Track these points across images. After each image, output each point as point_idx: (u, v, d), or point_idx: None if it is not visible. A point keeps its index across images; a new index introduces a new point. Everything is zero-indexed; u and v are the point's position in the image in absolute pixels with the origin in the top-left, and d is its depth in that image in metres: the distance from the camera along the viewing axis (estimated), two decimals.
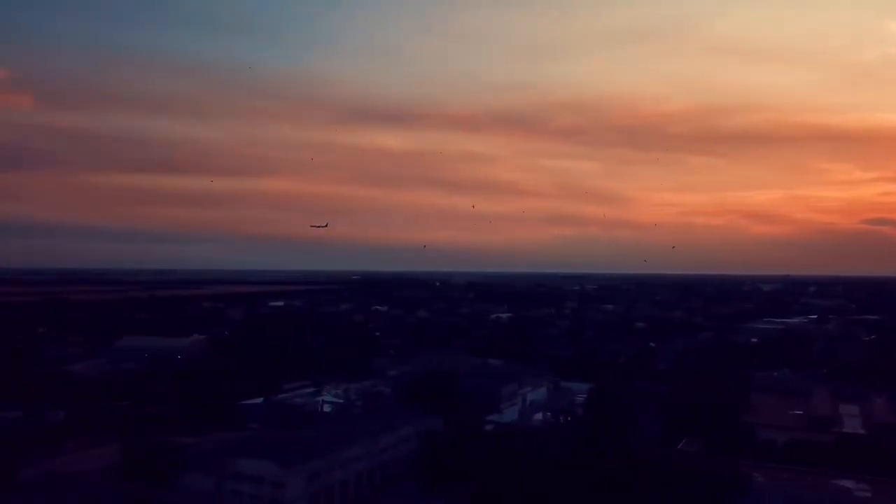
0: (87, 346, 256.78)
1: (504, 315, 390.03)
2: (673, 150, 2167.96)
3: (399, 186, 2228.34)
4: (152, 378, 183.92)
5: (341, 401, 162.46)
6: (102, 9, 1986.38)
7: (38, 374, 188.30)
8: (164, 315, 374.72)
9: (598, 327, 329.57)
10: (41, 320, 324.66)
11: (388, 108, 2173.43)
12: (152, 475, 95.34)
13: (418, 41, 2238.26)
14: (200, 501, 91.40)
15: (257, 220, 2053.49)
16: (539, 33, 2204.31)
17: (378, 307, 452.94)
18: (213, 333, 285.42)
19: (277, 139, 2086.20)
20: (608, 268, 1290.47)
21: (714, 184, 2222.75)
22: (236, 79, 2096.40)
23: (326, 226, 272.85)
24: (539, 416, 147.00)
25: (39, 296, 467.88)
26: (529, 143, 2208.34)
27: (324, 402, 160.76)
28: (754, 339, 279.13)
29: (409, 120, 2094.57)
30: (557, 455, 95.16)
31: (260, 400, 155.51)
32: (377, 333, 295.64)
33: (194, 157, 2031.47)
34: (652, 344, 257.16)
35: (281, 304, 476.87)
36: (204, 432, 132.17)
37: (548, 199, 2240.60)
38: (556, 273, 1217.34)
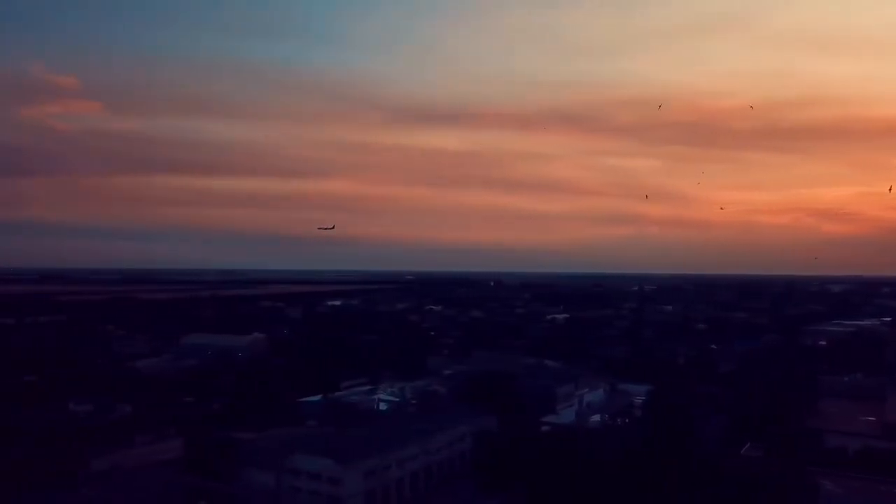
0: (153, 343, 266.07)
1: (560, 315, 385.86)
2: (736, 146, 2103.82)
3: (454, 186, 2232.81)
4: (214, 375, 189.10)
5: (397, 399, 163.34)
6: (163, 16, 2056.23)
7: (108, 369, 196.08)
8: (226, 314, 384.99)
9: (656, 328, 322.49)
10: (111, 318, 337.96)
11: (443, 108, 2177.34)
12: (214, 469, 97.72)
13: (474, 40, 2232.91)
14: (261, 496, 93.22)
15: (314, 221, 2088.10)
16: (597, 29, 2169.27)
17: (432, 307, 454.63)
18: (272, 332, 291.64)
19: (333, 141, 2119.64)
20: (667, 268, 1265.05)
21: (780, 181, 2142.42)
22: (293, 81, 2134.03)
23: (333, 228, 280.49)
24: (596, 417, 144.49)
25: (109, 295, 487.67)
26: (587, 142, 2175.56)
27: (380, 400, 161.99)
28: (822, 342, 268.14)
29: (465, 120, 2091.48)
30: (615, 457, 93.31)
31: (317, 397, 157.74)
32: (432, 333, 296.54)
33: (252, 159, 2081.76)
34: (713, 346, 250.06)
35: (338, 303, 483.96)
36: (264, 429, 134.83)
37: (606, 198, 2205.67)
38: (613, 273, 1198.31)
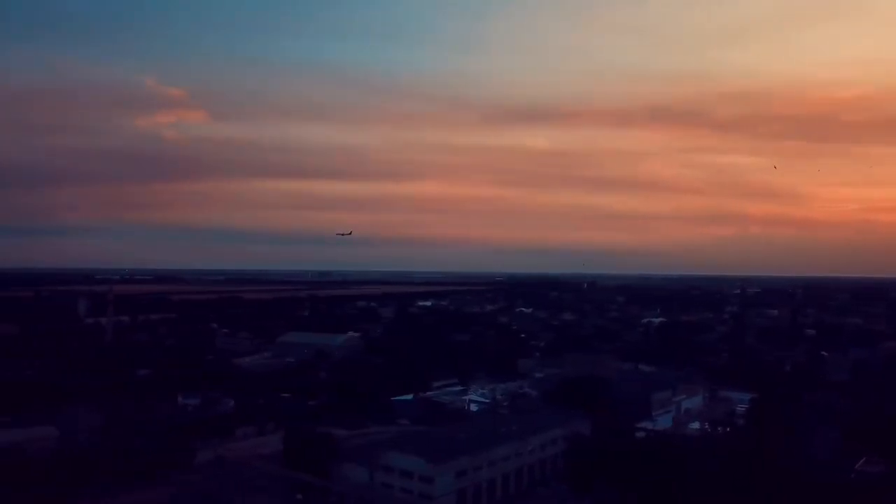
0: (254, 341, 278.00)
1: (656, 319, 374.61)
2: (850, 140, 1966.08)
3: (546, 187, 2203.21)
4: (312, 372, 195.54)
5: (488, 400, 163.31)
6: (262, 24, 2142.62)
7: (213, 366, 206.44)
8: (322, 313, 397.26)
9: (760, 333, 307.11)
10: (215, 317, 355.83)
11: (536, 107, 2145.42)
12: (311, 464, 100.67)
13: (567, 36, 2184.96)
14: (355, 491, 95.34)
15: (407, 223, 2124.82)
16: (697, 19, 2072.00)
17: (523, 309, 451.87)
18: (366, 331, 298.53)
19: (426, 142, 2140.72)
20: (773, 270, 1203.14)
21: None
22: (389, 84, 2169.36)
23: (351, 233, 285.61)
24: (695, 425, 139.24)
25: (215, 294, 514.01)
26: (687, 138, 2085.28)
27: (471, 401, 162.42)
28: None
29: (558, 118, 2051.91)
30: (714, 468, 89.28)
31: (410, 396, 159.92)
32: (522, 335, 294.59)
33: (348, 162, 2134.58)
34: (823, 352, 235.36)
35: (429, 304, 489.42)
36: (358, 425, 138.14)
37: (706, 197, 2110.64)
38: (713, 275, 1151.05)
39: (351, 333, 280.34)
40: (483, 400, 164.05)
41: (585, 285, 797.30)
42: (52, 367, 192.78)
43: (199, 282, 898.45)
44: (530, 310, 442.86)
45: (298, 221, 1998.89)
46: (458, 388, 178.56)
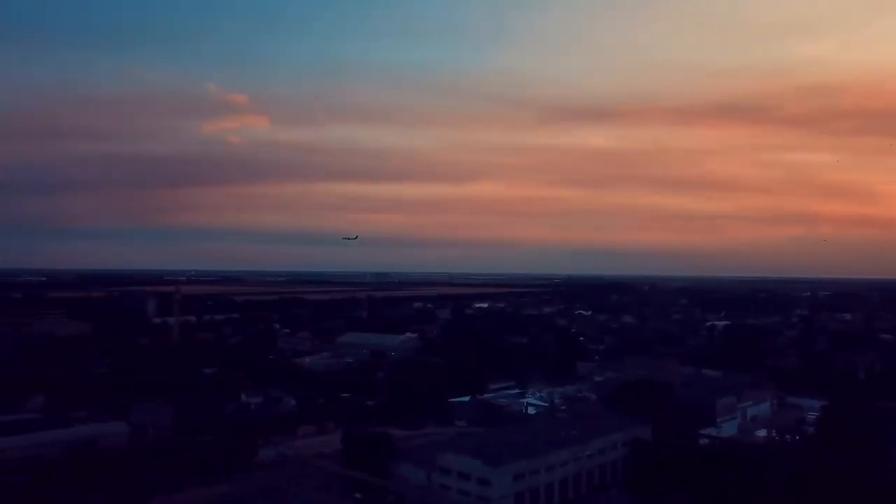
0: (314, 341, 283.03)
1: (720, 322, 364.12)
2: None
3: (607, 186, 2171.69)
4: (370, 372, 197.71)
5: (545, 404, 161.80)
6: (319, 27, 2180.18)
7: (275, 365, 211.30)
8: (380, 314, 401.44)
9: (832, 338, 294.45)
10: (277, 317, 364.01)
11: (596, 105, 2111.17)
12: (370, 463, 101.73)
13: (625, 31, 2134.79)
14: (412, 492, 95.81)
15: (464, 224, 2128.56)
16: (762, 10, 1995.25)
17: (582, 311, 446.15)
18: (423, 332, 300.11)
19: (485, 143, 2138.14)
20: (846, 272, 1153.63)
21: None
22: (447, 86, 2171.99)
23: (356, 238, 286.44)
24: (762, 432, 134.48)
25: (277, 295, 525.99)
26: (754, 135, 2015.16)
27: (528, 403, 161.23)
28: None
29: (619, 116, 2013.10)
30: (782, 478, 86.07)
31: (467, 398, 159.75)
32: (581, 338, 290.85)
33: (408, 164, 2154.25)
34: None
35: (485, 305, 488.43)
36: (416, 426, 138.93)
37: (774, 196, 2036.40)
38: (781, 278, 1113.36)
39: (408, 334, 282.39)
40: (541, 403, 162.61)
41: (646, 287, 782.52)
42: (123, 365, 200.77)
43: (261, 283, 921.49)
44: (589, 312, 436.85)
45: (357, 223, 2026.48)
46: (516, 390, 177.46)
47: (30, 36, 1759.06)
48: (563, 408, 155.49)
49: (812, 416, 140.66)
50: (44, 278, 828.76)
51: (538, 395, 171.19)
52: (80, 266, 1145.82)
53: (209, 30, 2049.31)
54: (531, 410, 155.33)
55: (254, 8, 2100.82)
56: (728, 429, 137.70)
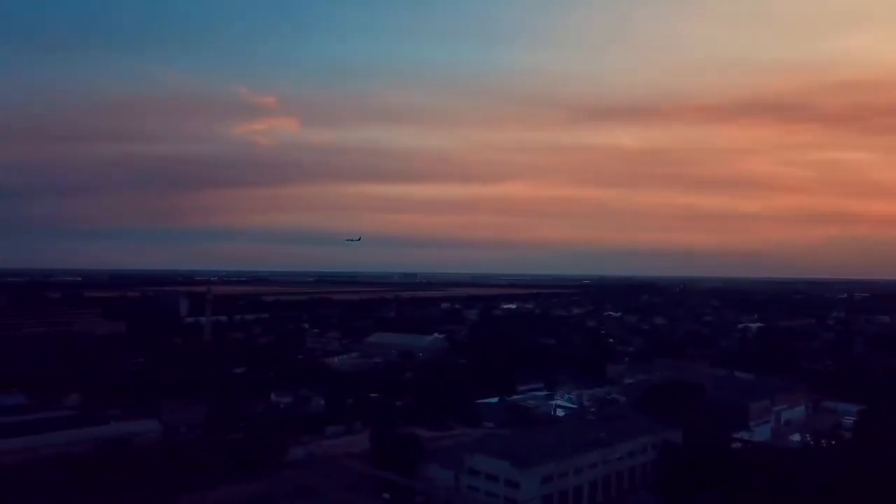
0: (342, 340, 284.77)
1: (753, 324, 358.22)
2: None
3: (637, 186, 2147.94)
4: (398, 373, 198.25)
5: (574, 406, 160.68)
6: (347, 29, 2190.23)
7: (304, 364, 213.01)
8: (408, 314, 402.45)
9: (869, 341, 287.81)
10: (306, 317, 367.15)
11: (626, 104, 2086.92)
12: (398, 464, 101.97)
13: (657, 28, 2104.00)
14: (441, 493, 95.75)
15: (492, 225, 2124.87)
16: (795, 6, 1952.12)
17: (611, 312, 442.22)
18: (451, 333, 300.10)
19: (513, 143, 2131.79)
20: (885, 274, 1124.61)
21: None
22: (477, 85, 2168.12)
23: (360, 240, 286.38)
24: (796, 437, 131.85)
25: (305, 295, 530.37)
26: (789, 133, 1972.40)
27: (557, 405, 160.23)
28: None
29: (650, 115, 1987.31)
30: (817, 483, 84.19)
31: (495, 399, 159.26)
32: (610, 339, 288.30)
33: (436, 165, 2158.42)
34: None
35: (513, 306, 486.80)
36: (444, 427, 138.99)
37: (810, 196, 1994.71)
38: (817, 279, 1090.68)
39: (436, 335, 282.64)
40: (570, 405, 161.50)
41: (677, 289, 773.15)
42: (156, 364, 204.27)
43: (290, 283, 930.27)
44: (619, 313, 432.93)
45: (385, 224, 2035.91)
46: (544, 392, 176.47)
47: (64, 41, 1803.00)
48: (592, 410, 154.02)
49: (849, 420, 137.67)
50: (79, 278, 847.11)
51: (567, 396, 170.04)
52: (113, 266, 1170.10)
53: (239, 34, 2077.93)
54: (560, 412, 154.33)
55: (282, 11, 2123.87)
56: (761, 432, 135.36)
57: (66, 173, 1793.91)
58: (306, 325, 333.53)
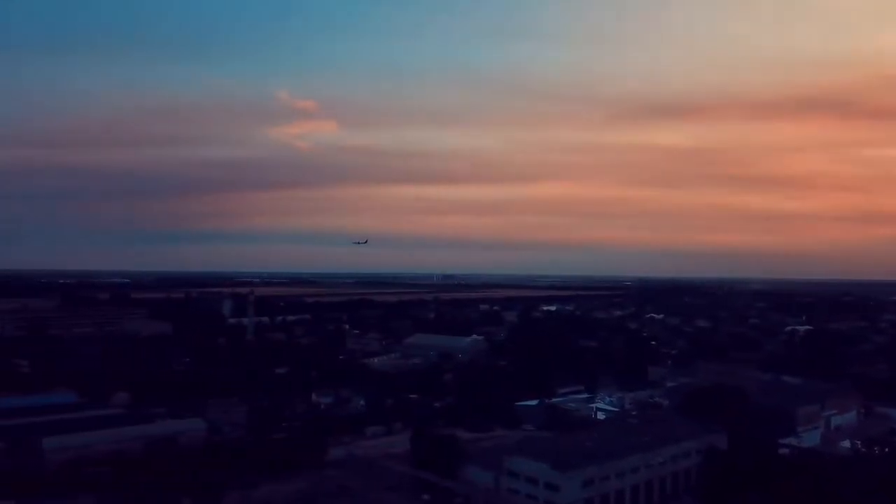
0: (382, 341, 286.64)
1: (801, 327, 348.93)
2: None
3: (681, 186, 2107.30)
4: (437, 374, 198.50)
5: (616, 409, 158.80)
6: (385, 31, 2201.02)
7: (345, 365, 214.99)
8: (447, 315, 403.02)
9: None
10: (346, 318, 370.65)
11: (669, 102, 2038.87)
12: (438, 465, 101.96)
13: (701, 24, 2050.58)
14: (481, 495, 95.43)
15: (532, 226, 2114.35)
16: None
17: (653, 315, 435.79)
18: (490, 334, 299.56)
19: (553, 143, 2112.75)
20: None
21: None
22: (516, 84, 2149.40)
23: (367, 242, 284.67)
24: (846, 443, 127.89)
25: (346, 297, 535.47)
26: (839, 130, 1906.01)
27: (598, 408, 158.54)
28: None
29: (693, 112, 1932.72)
30: (868, 491, 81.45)
31: (535, 402, 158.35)
32: (652, 342, 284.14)
33: (475, 166, 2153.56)
34: None
35: (553, 308, 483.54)
36: (483, 428, 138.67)
37: (860, 194, 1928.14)
38: (869, 280, 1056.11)
39: (475, 336, 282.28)
40: (611, 408, 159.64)
41: (722, 290, 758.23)
42: (201, 364, 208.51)
43: (331, 284, 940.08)
44: (661, 316, 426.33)
45: (425, 225, 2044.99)
46: (585, 395, 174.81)
47: (110, 48, 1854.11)
48: (633, 413, 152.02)
49: None
50: (127, 280, 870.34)
51: (608, 399, 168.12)
52: (158, 268, 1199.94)
53: (279, 39, 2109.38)
54: (601, 415, 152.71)
55: (321, 16, 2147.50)
56: (809, 439, 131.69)
57: (112, 177, 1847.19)
58: (347, 326, 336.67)
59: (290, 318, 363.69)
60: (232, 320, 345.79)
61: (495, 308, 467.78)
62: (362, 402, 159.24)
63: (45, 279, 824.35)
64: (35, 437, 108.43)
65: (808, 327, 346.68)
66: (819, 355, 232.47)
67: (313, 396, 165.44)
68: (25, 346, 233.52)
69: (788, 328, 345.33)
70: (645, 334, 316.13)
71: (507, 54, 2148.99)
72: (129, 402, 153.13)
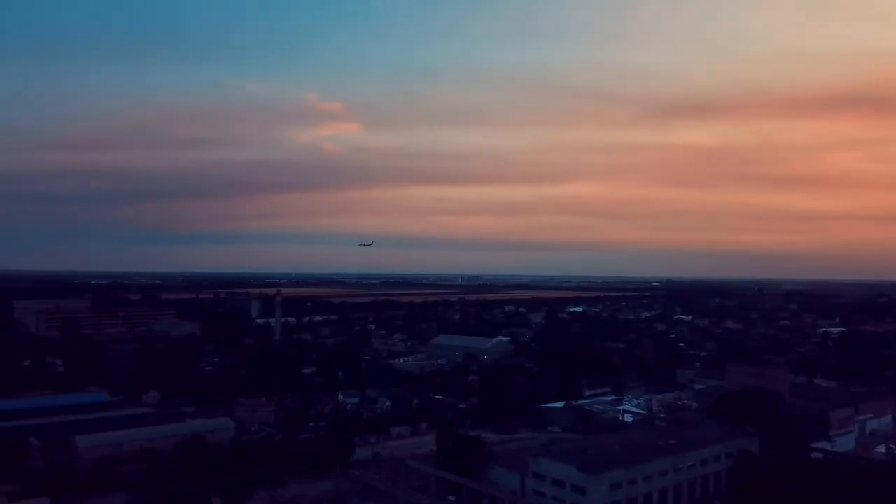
0: (408, 342, 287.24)
1: (835, 329, 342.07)
2: None
3: (710, 186, 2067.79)
4: (463, 375, 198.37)
5: (643, 411, 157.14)
6: (409, 32, 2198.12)
7: (371, 365, 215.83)
8: (473, 317, 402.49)
9: None
10: (372, 319, 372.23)
11: (698, 100, 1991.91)
12: (464, 466, 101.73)
13: (730, 19, 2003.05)
14: (506, 496, 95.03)
15: (558, 226, 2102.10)
16: None
17: (682, 316, 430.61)
18: (516, 336, 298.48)
19: (578, 143, 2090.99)
20: None
21: None
22: (540, 84, 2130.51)
23: (372, 244, 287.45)
24: (881, 448, 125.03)
25: (371, 297, 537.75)
26: (871, 128, 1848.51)
27: (625, 411, 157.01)
28: None
29: (723, 111, 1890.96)
30: None
31: (561, 404, 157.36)
32: (681, 344, 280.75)
33: (500, 167, 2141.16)
34: None
35: (580, 309, 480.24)
36: (509, 430, 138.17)
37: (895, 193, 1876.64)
38: None
39: (500, 338, 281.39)
40: (638, 411, 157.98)
41: (752, 291, 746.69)
42: (229, 364, 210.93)
43: (357, 285, 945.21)
44: (690, 317, 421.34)
45: (450, 226, 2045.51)
46: (612, 397, 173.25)
47: (141, 52, 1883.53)
48: (662, 416, 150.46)
49: None
50: (157, 281, 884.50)
51: (635, 402, 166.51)
52: (188, 269, 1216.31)
53: (306, 42, 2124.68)
54: (628, 418, 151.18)
55: (347, 18, 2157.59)
56: (843, 443, 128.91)
57: (142, 180, 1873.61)
58: (373, 327, 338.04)
59: (317, 318, 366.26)
60: (259, 321, 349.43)
61: (521, 309, 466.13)
62: (388, 403, 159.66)
63: (77, 280, 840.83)
64: (69, 435, 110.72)
65: (841, 329, 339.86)
66: (853, 358, 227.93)
67: (340, 397, 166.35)
68: (59, 346, 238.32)
69: (821, 330, 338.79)
70: (673, 336, 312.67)
71: (530, 54, 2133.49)
72: (159, 402, 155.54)
